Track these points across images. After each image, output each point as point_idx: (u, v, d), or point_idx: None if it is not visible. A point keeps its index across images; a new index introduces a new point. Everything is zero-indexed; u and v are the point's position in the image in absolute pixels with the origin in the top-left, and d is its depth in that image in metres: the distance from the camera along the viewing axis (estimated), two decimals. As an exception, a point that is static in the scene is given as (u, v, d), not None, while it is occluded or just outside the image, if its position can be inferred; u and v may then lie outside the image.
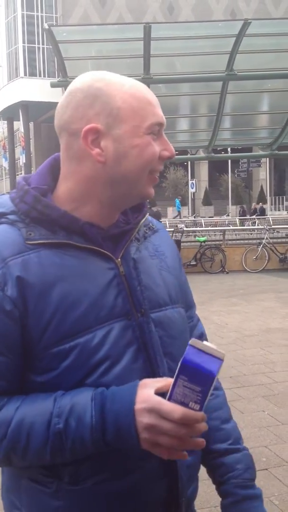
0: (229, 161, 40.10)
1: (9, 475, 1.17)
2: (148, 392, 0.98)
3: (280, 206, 41.44)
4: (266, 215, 28.23)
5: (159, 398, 0.96)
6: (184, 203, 39.45)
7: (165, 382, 0.99)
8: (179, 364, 0.92)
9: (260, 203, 32.89)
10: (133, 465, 1.08)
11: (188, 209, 39.00)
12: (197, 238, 15.78)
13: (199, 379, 0.91)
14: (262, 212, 29.03)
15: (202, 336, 1.38)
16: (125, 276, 1.12)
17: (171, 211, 37.38)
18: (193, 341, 0.93)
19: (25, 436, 1.00)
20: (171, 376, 1.05)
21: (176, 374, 0.92)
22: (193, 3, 40.00)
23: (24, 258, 1.05)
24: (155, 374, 1.10)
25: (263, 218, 24.47)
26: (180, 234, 15.41)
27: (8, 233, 1.08)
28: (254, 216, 26.86)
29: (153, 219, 1.31)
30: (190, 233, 18.00)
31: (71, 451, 1.00)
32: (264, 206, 38.48)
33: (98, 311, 1.07)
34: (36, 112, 39.45)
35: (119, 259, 1.13)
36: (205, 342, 0.93)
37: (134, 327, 1.10)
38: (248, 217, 27.66)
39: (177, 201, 36.33)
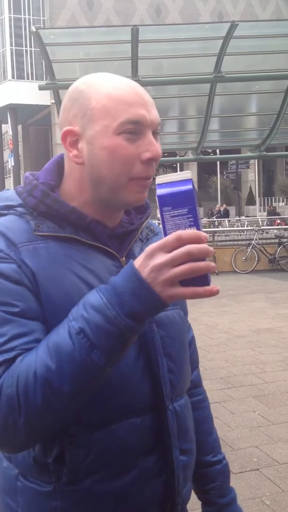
0: (218, 162, 40.17)
1: (4, 477, 1.16)
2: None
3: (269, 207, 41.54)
4: (230, 218, 27.89)
5: (151, 245, 0.92)
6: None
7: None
8: (157, 201, 0.91)
9: (224, 205, 32.64)
10: (131, 463, 1.09)
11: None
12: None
13: (181, 201, 0.90)
14: (226, 214, 28.74)
15: (192, 341, 1.40)
16: None
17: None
18: (158, 178, 0.94)
19: (54, 355, 0.94)
20: (171, 378, 1.10)
21: (159, 212, 0.91)
22: (180, 6, 40.07)
23: (35, 246, 1.06)
24: (156, 375, 1.11)
25: (251, 220, 24.52)
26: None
27: (17, 222, 1.09)
28: (214, 218, 26.80)
29: (153, 222, 1.33)
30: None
31: (99, 344, 0.92)
32: (252, 207, 38.61)
33: None
34: (24, 115, 39.32)
35: (123, 258, 1.14)
36: (168, 174, 0.94)
37: None
38: (214, 218, 27.71)
39: None
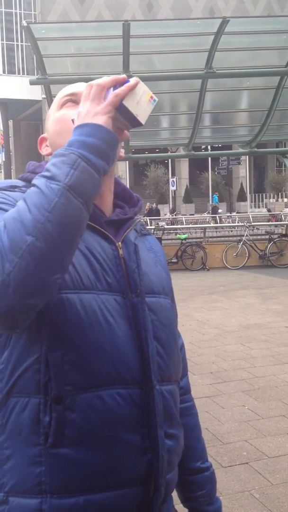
0: (209, 158, 40.22)
1: None
2: None
3: (260, 203, 41.67)
4: (160, 216, 27.44)
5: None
6: (164, 201, 39.48)
7: None
8: None
9: (155, 203, 32.30)
10: (117, 437, 1.11)
11: (169, 207, 39.03)
12: (178, 235, 15.83)
13: None
14: (157, 213, 28.51)
15: (182, 348, 1.44)
16: (124, 259, 1.20)
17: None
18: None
19: (30, 204, 0.97)
20: (159, 361, 1.17)
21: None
22: (172, 1, 40.01)
23: None
24: (144, 353, 1.15)
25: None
26: (161, 232, 15.45)
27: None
28: (146, 217, 26.17)
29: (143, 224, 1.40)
30: (171, 231, 18.07)
31: (58, 175, 0.98)
32: (244, 203, 38.68)
33: (98, 279, 1.14)
34: (16, 110, 39.10)
35: (119, 243, 1.21)
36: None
37: (128, 306, 1.16)
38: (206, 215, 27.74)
39: (215, 196, 36.06)
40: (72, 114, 1.14)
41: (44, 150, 1.29)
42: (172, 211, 35.67)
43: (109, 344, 1.10)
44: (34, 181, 1.00)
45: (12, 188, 1.17)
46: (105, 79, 1.07)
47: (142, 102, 1.09)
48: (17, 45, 38.93)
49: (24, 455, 1.09)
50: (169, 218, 27.04)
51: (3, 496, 1.11)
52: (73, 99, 1.24)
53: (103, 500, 1.09)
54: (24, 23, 6.21)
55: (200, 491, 1.39)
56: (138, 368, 1.14)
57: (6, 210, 1.02)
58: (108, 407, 1.09)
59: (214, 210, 30.49)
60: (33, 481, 1.08)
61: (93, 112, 1.05)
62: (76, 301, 1.09)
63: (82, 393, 1.08)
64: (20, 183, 1.21)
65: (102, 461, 1.09)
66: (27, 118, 42.16)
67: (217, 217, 26.17)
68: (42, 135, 1.32)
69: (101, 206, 1.23)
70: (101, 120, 1.04)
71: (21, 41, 38.03)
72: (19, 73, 38.50)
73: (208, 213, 29.99)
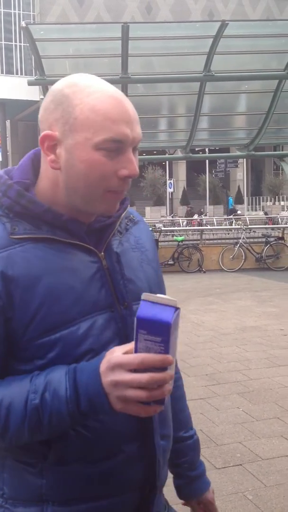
0: (207, 161, 40.24)
1: None
2: (112, 354, 1.00)
3: (257, 206, 41.72)
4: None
5: (119, 354, 0.98)
6: (161, 202, 39.50)
7: (132, 345, 0.98)
8: (135, 320, 0.94)
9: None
10: (116, 448, 1.12)
11: (166, 209, 39.05)
12: (174, 237, 15.84)
13: (157, 330, 0.93)
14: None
15: None
16: (108, 269, 1.15)
17: (149, 211, 37.39)
18: (145, 295, 0.95)
19: (4, 415, 1.02)
20: None
21: (135, 329, 0.94)
22: (171, 3, 40.05)
23: (10, 252, 1.07)
24: None
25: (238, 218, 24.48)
26: (158, 233, 15.46)
27: None
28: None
29: (134, 210, 1.33)
30: (168, 233, 18.08)
31: (49, 426, 1.02)
32: (240, 206, 38.73)
33: (82, 305, 1.09)
34: (13, 110, 39.11)
35: (102, 253, 1.16)
36: (158, 295, 0.96)
37: (117, 319, 1.13)
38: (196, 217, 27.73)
39: (230, 199, 35.95)
40: (144, 296, 0.96)
41: (51, 160, 1.09)
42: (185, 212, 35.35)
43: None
44: (33, 413, 1.03)
45: None
46: (157, 381, 0.95)
47: None
48: (16, 46, 38.89)
49: (23, 468, 1.12)
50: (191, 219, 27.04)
51: (2, 501, 1.14)
52: (117, 148, 1.06)
53: (103, 506, 1.12)
54: (23, 23, 6.23)
55: (183, 458, 1.42)
56: None
57: None
58: (106, 426, 1.10)
59: (231, 213, 30.38)
60: (34, 492, 1.11)
61: (116, 396, 0.98)
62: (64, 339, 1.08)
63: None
64: None
65: (102, 472, 1.11)
66: (25, 119, 42.09)
67: (247, 219, 25.58)
68: (50, 133, 1.08)
69: (83, 217, 1.15)
70: (118, 407, 0.99)
71: (20, 42, 38.00)
72: (17, 74, 38.47)
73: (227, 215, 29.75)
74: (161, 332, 0.93)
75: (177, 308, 0.95)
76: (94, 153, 1.04)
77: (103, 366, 0.99)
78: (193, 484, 1.43)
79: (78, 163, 1.05)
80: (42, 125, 1.10)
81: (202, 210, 34.49)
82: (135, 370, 0.95)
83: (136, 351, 0.95)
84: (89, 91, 1.05)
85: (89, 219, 1.17)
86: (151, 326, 0.93)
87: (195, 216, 29.01)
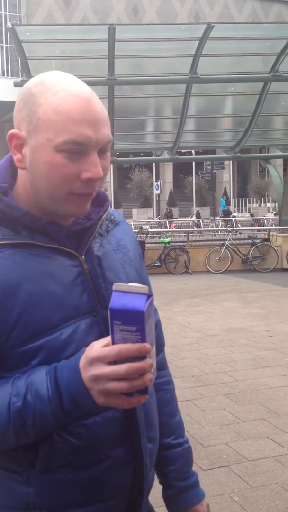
0: (193, 163, 40.38)
1: None
2: (91, 349, 0.99)
3: (243, 208, 41.93)
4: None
5: (97, 348, 0.97)
6: (148, 204, 39.55)
7: (109, 338, 0.97)
8: (108, 311, 0.93)
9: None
10: (103, 454, 1.12)
11: (153, 211, 39.12)
12: (161, 239, 15.86)
13: (131, 319, 0.92)
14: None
15: (158, 324, 1.39)
16: (90, 273, 1.13)
17: (136, 212, 37.44)
18: (116, 285, 0.95)
19: None
20: None
21: (109, 321, 0.94)
22: (157, 6, 40.17)
23: None
24: None
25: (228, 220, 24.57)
26: (144, 235, 15.48)
27: None
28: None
29: (115, 211, 1.31)
30: (155, 234, 18.09)
31: (33, 427, 1.01)
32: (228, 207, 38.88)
33: (64, 310, 1.07)
34: (0, 112, 38.97)
35: (83, 256, 1.13)
36: (129, 284, 0.95)
37: (100, 323, 1.11)
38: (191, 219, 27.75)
39: (222, 200, 35.88)
40: (115, 286, 0.95)
41: (18, 159, 1.08)
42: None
43: None
44: (16, 415, 1.01)
45: None
46: (137, 370, 0.94)
47: None
48: (2, 47, 38.71)
49: (10, 476, 1.11)
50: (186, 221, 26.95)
51: None
52: (78, 150, 1.02)
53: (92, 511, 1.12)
54: (9, 25, 6.22)
55: (171, 466, 1.35)
56: None
57: None
58: (92, 432, 1.10)
59: (226, 214, 30.38)
60: (21, 500, 1.10)
61: (97, 390, 0.97)
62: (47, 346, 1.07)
63: (66, 424, 1.07)
64: None
65: (90, 478, 1.11)
66: (11, 120, 41.53)
67: (233, 220, 25.48)
68: (16, 132, 1.07)
69: (62, 220, 1.13)
70: (101, 401, 0.98)
71: (6, 43, 37.85)
72: (3, 75, 38.28)
73: (221, 217, 29.73)
74: (135, 321, 0.92)
75: (149, 296, 0.94)
76: (55, 155, 1.02)
77: (82, 361, 0.98)
78: (182, 495, 1.35)
79: (40, 165, 1.03)
80: (14, 123, 1.09)
81: (199, 211, 34.50)
82: (115, 362, 0.94)
83: (113, 343, 0.95)
84: (55, 90, 1.02)
85: (67, 221, 1.14)
86: (124, 316, 0.92)
87: (193, 218, 29.08)
